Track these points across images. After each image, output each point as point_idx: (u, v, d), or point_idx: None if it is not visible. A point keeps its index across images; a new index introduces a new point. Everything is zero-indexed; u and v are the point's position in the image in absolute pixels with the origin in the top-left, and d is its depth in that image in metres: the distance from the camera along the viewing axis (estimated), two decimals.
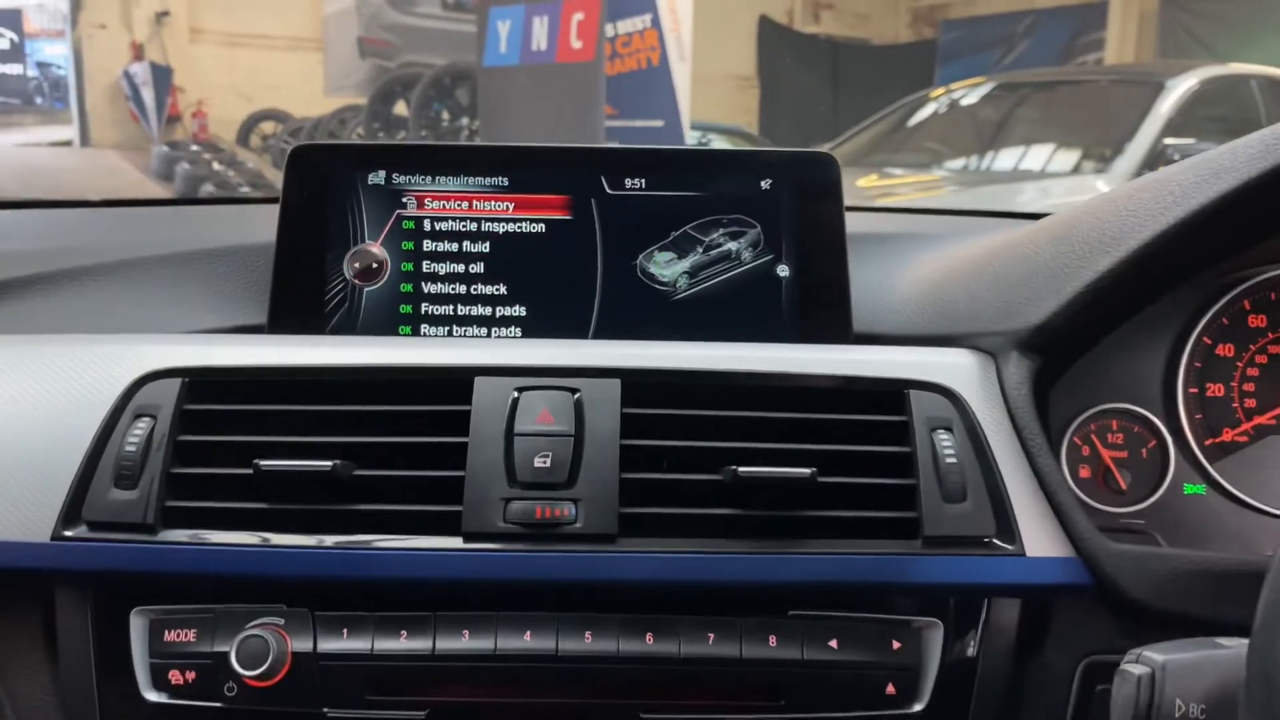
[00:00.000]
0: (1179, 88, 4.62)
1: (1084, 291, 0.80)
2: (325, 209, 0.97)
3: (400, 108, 8.68)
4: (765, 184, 0.97)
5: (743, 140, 9.31)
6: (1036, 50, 10.20)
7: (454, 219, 0.97)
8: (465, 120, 8.14)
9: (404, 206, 0.97)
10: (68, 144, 10.19)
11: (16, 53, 11.45)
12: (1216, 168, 0.76)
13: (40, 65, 11.47)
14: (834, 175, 0.97)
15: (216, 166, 8.50)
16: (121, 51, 9.99)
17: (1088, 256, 0.81)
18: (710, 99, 9.79)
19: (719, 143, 8.93)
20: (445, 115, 8.32)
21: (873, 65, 11.91)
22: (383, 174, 0.97)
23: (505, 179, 0.98)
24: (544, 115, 6.34)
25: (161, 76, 9.82)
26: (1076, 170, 4.65)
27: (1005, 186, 4.59)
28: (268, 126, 10.00)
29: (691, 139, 7.39)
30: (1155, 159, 4.32)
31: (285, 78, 10.22)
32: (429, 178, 0.97)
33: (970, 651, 0.79)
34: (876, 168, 5.06)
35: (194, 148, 9.16)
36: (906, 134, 5.47)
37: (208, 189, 7.70)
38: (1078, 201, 0.95)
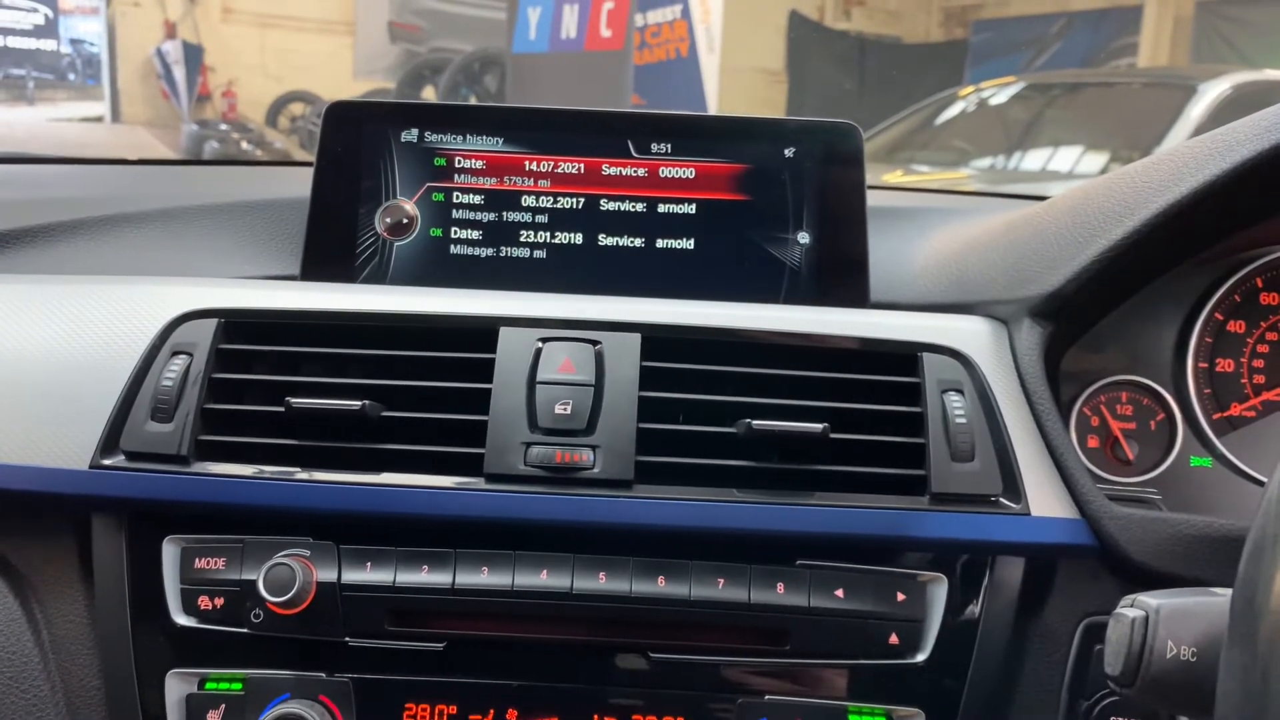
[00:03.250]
0: (1211, 92, 4.57)
1: (1097, 260, 0.82)
2: (359, 164, 0.99)
3: (429, 92, 8.73)
4: (789, 151, 0.99)
5: None
6: (1069, 53, 10.14)
7: (483, 177, 1.00)
8: None
9: (435, 164, 1.00)
10: (99, 120, 10.28)
11: (51, 28, 11.55)
12: (1231, 140, 0.77)
13: (74, 41, 11.57)
14: (856, 144, 0.99)
15: (245, 146, 8.58)
16: (154, 29, 10.07)
17: (1102, 226, 0.83)
18: (738, 92, 9.78)
19: None
20: (473, 101, 8.36)
21: (903, 64, 11.87)
22: (416, 132, 1.00)
23: (535, 140, 1.00)
24: (571, 103, 6.34)
25: (193, 55, 9.90)
26: (1105, 173, 4.61)
27: (1032, 186, 4.57)
28: (296, 108, 10.06)
29: None
30: None
31: (315, 60, 10.28)
32: (461, 136, 1.00)
33: (973, 607, 0.81)
34: (903, 164, 5.05)
35: (223, 127, 9.24)
36: (934, 131, 5.45)
37: None
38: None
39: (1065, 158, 4.78)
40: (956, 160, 5.10)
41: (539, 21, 6.58)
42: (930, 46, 12.32)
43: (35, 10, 10.85)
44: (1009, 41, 10.79)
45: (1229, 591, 0.64)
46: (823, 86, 11.45)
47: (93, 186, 1.23)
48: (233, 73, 10.02)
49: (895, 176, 4.80)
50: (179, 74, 9.82)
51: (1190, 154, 0.80)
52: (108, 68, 10.32)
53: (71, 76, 11.47)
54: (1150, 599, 0.61)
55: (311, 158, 1.00)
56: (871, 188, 1.00)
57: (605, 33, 6.28)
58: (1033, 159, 4.88)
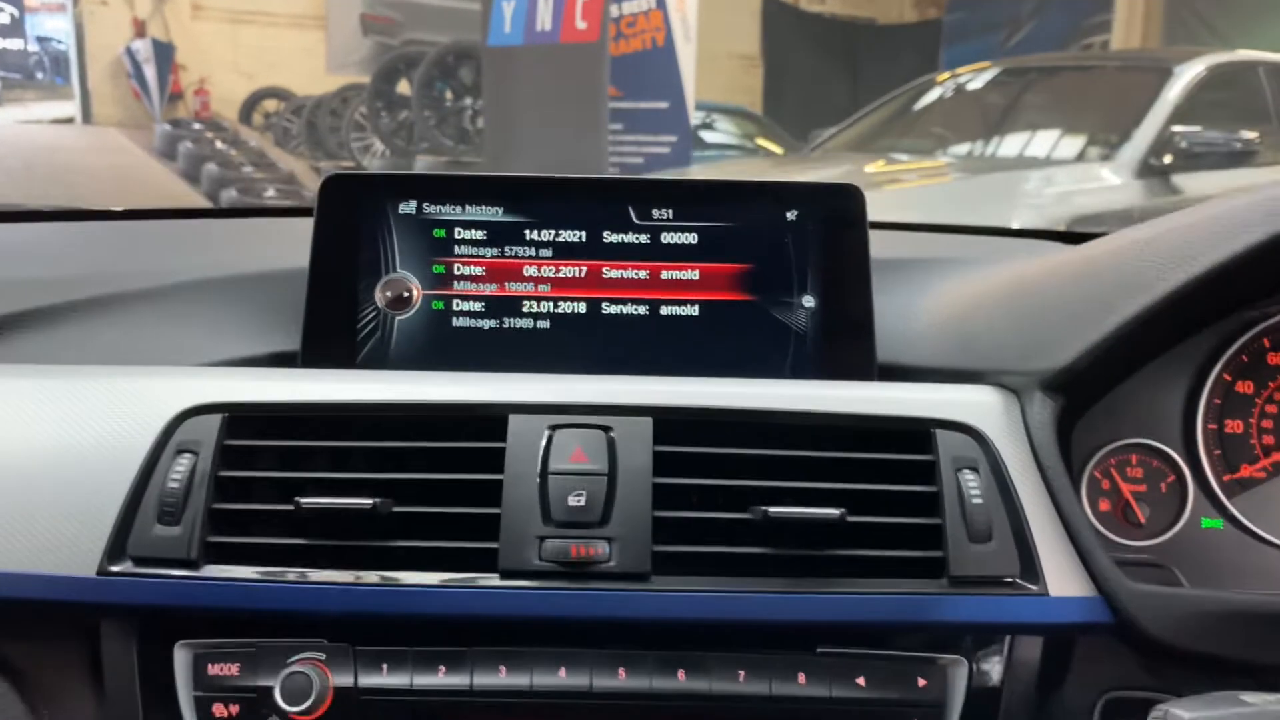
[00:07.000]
0: (1187, 74, 4.59)
1: (1110, 335, 0.82)
2: (357, 238, 0.98)
3: (403, 86, 8.65)
4: (791, 215, 0.99)
5: (747, 120, 9.29)
6: (1042, 31, 10.15)
7: (484, 248, 0.99)
8: (469, 100, 8.10)
9: (435, 235, 0.98)
10: (69, 121, 10.17)
11: (17, 27, 11.39)
12: (1242, 221, 0.77)
13: (40, 40, 11.41)
14: (859, 206, 0.98)
15: (219, 145, 8.50)
16: (123, 27, 9.96)
17: (1112, 300, 0.83)
18: (714, 78, 9.76)
19: (723, 122, 8.91)
20: (448, 95, 8.28)
21: (878, 45, 11.88)
22: (414, 203, 0.98)
23: (535, 209, 0.99)
24: (548, 96, 6.32)
25: (163, 54, 9.79)
26: (1082, 157, 4.64)
27: (1010, 174, 4.58)
28: (270, 104, 9.98)
29: (695, 119, 7.38)
30: (1162, 146, 4.31)
31: (287, 55, 10.19)
32: (460, 207, 0.98)
33: (994, 688, 0.81)
34: (882, 153, 5.05)
35: (196, 126, 9.15)
36: (912, 118, 5.46)
37: (210, 168, 7.71)
38: (1098, 241, 0.96)
39: (1042, 143, 4.79)
40: (935, 147, 5.11)
41: (514, 14, 6.52)
42: (904, 27, 12.33)
43: (1, 9, 10.70)
44: (983, 21, 10.80)
45: (1258, 698, 0.64)
46: (799, 70, 11.45)
47: (77, 250, 1.21)
48: (204, 70, 9.92)
49: (878, 167, 4.81)
50: (150, 73, 9.72)
51: (1198, 232, 0.80)
52: (76, 67, 10.19)
53: (40, 75, 11.32)
54: (1182, 712, 0.61)
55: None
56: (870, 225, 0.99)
57: (581, 24, 6.24)
58: (1010, 144, 4.90)
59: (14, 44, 11.19)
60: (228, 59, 9.97)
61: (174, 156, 8.41)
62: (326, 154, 8.95)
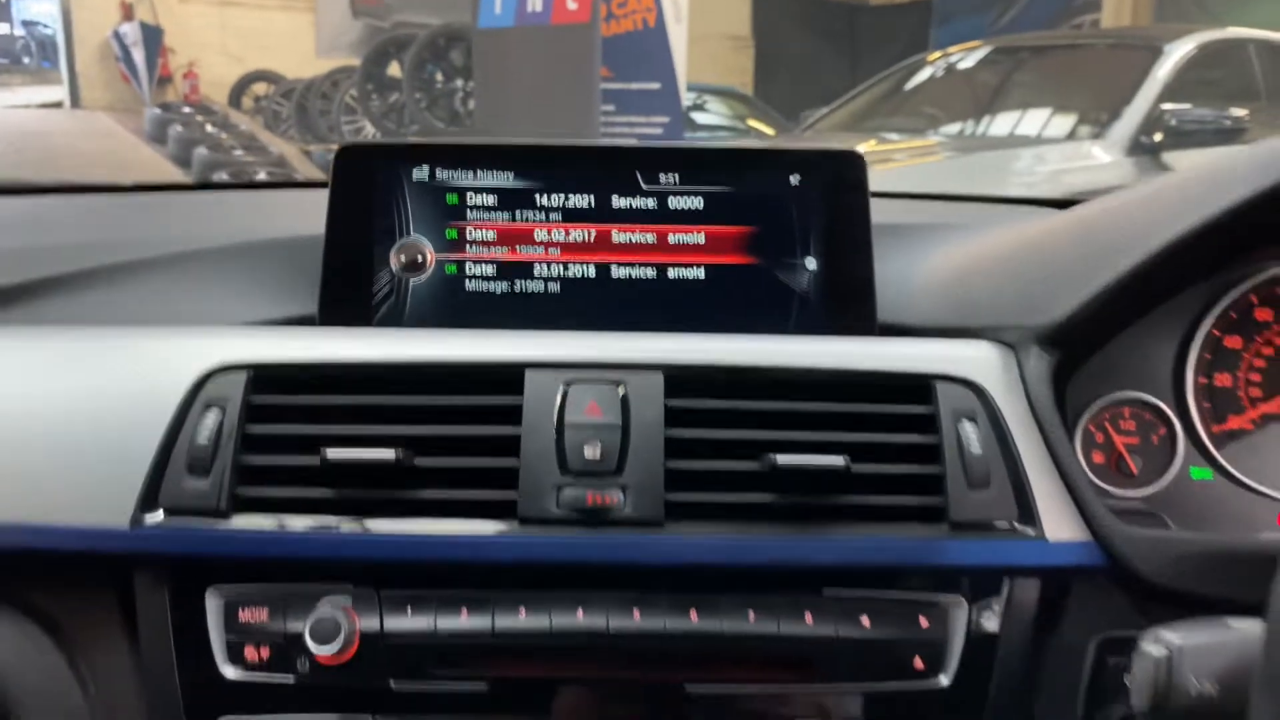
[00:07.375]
0: (1177, 52, 4.62)
1: (1104, 290, 0.85)
2: (372, 205, 1.00)
3: (394, 69, 8.63)
4: (794, 179, 1.01)
5: (738, 101, 9.29)
6: (1033, 10, 10.16)
7: (495, 213, 1.01)
8: (460, 82, 8.09)
9: (448, 201, 1.01)
10: (58, 105, 10.10)
11: (3, 11, 11.33)
12: (1230, 177, 0.80)
13: (27, 24, 11.36)
14: (861, 172, 1.01)
15: (209, 129, 8.44)
16: (111, 10, 9.89)
17: (1107, 257, 0.86)
18: (704, 59, 9.74)
19: (714, 103, 8.92)
20: (439, 77, 8.26)
21: (869, 24, 11.88)
22: (427, 169, 1.01)
23: (545, 174, 1.02)
24: (539, 78, 6.32)
25: (152, 37, 9.74)
26: (1072, 136, 4.66)
27: (1001, 153, 4.61)
28: (260, 88, 9.94)
29: (687, 101, 7.39)
30: (1152, 124, 4.34)
31: (277, 38, 10.14)
32: (472, 173, 1.01)
33: (992, 628, 0.84)
34: (873, 133, 5.07)
35: (186, 110, 9.08)
36: (903, 98, 5.48)
37: (201, 151, 7.67)
38: (1097, 197, 0.99)
39: (1033, 121, 4.81)
40: (926, 126, 5.13)
41: None
42: (896, 7, 12.31)
43: None
44: (973, 0, 10.79)
45: (1243, 623, 0.68)
46: (790, 50, 11.44)
47: (89, 222, 1.23)
48: (193, 54, 9.87)
49: (869, 146, 4.82)
50: (138, 56, 9.67)
51: (1191, 187, 0.83)
52: (64, 51, 10.12)
53: (26, 60, 11.27)
54: (1173, 636, 0.65)
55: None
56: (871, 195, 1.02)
57: (571, 5, 6.23)
58: (1001, 124, 4.92)
59: (0, 29, 11.12)
60: (217, 42, 9.92)
61: (164, 140, 8.35)
62: (317, 137, 8.93)
